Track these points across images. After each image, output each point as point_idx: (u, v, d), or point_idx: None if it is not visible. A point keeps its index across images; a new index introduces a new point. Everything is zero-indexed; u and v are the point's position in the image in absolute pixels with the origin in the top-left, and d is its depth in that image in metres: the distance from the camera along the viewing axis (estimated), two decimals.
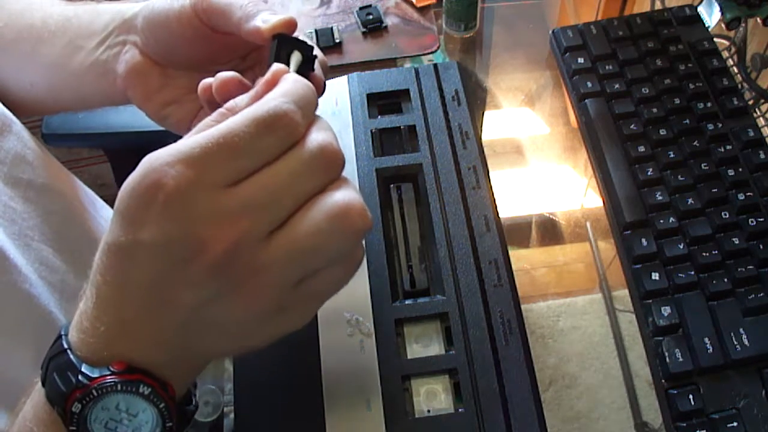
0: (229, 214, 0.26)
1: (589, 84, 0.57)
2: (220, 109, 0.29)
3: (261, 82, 0.30)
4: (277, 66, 0.31)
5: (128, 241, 0.26)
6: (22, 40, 0.44)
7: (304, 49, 0.35)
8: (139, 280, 0.27)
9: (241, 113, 0.27)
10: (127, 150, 0.96)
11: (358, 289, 0.42)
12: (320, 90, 0.36)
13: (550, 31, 0.62)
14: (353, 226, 0.28)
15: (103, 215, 0.54)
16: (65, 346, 0.28)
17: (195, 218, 0.26)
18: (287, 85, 0.29)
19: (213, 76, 0.37)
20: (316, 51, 0.36)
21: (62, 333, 0.29)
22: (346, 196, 0.28)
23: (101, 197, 0.56)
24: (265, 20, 0.34)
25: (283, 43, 0.34)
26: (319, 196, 0.28)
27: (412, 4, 0.69)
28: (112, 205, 0.57)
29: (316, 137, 0.28)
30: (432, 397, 0.39)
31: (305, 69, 0.35)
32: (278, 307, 0.28)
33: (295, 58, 0.34)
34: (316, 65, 0.36)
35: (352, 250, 0.29)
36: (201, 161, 0.26)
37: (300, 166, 0.28)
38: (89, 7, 0.43)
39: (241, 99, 0.30)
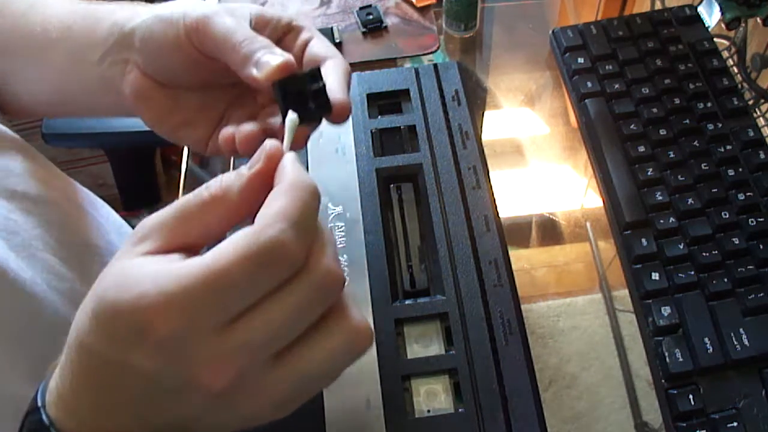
0: (226, 355, 0.25)
1: (589, 84, 0.57)
2: (212, 188, 0.28)
3: (255, 168, 0.28)
4: (271, 145, 0.29)
5: (117, 360, 0.25)
6: (25, 46, 0.43)
7: (310, 82, 0.33)
8: (126, 396, 0.26)
9: (235, 249, 0.25)
10: (127, 150, 0.96)
11: (358, 289, 0.42)
12: (345, 113, 0.35)
13: (550, 31, 0.62)
14: (362, 349, 0.28)
15: (103, 214, 0.53)
16: (46, 422, 0.27)
17: (190, 359, 0.25)
18: (285, 201, 0.26)
19: (224, 94, 0.36)
20: (334, 62, 0.35)
21: (39, 404, 0.28)
22: (355, 321, 0.28)
23: (101, 197, 0.56)
24: (260, 67, 0.33)
25: (284, 88, 0.33)
26: (327, 321, 0.27)
27: (412, 4, 0.69)
28: (112, 206, 0.57)
29: (318, 264, 0.27)
30: (432, 397, 0.39)
31: (318, 101, 0.33)
32: (275, 413, 0.28)
33: (290, 123, 0.32)
34: (340, 75, 0.35)
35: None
36: (192, 307, 0.24)
37: (302, 300, 0.26)
38: (88, 11, 0.42)
39: (234, 182, 0.28)
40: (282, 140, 0.31)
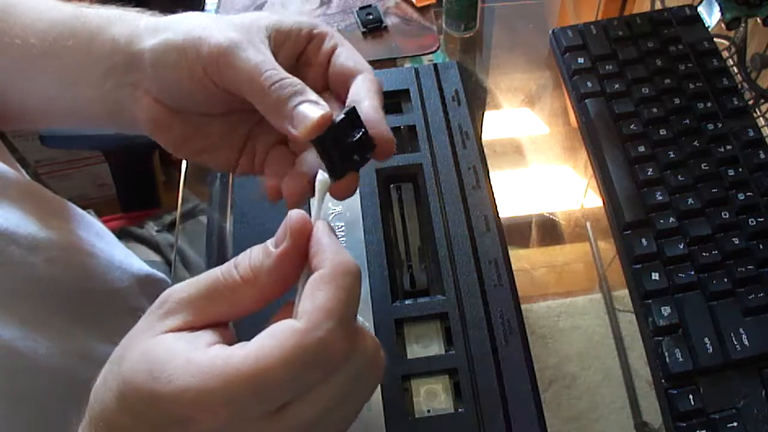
0: None
1: (589, 84, 0.57)
2: (242, 269, 0.27)
3: (282, 248, 0.27)
4: (295, 218, 0.27)
5: None
6: (3, 56, 0.38)
7: (351, 131, 0.31)
8: None
9: (281, 348, 0.24)
10: (125, 151, 0.96)
11: None
12: (391, 149, 0.33)
13: (550, 31, 0.62)
14: (382, 368, 0.29)
15: (108, 242, 0.51)
16: None
17: None
18: (330, 293, 0.26)
19: (247, 117, 0.34)
20: (365, 79, 0.34)
21: None
22: (374, 349, 0.28)
23: (101, 198, 0.55)
24: (296, 122, 0.30)
25: (323, 141, 0.30)
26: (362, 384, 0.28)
27: (412, 4, 0.69)
28: (112, 206, 0.56)
29: (363, 348, 0.27)
30: (432, 397, 0.39)
31: (362, 150, 0.31)
32: None
33: (321, 185, 0.31)
34: (375, 99, 0.33)
35: None
36: (237, 403, 0.24)
37: (349, 383, 0.26)
38: (78, 22, 0.36)
39: (263, 263, 0.27)
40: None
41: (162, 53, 0.33)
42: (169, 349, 0.25)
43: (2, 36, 0.38)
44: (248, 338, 0.26)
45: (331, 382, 0.26)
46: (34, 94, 0.40)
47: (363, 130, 0.31)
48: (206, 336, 0.26)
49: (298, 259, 0.28)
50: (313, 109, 0.30)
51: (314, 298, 0.26)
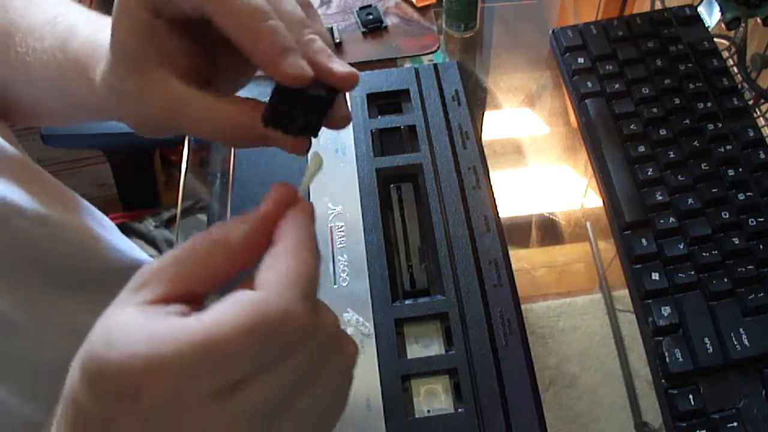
0: (222, 423, 0.23)
1: (589, 84, 0.57)
2: (214, 231, 0.26)
3: (262, 210, 0.27)
4: (283, 188, 0.27)
5: (103, 419, 0.23)
6: (8, 59, 0.40)
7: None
8: None
9: (239, 316, 0.23)
10: (125, 150, 0.96)
11: (358, 289, 0.42)
12: (353, 79, 0.30)
13: (550, 31, 0.62)
14: (354, 361, 0.27)
15: (114, 236, 0.51)
16: None
17: (182, 427, 0.23)
18: (293, 263, 0.25)
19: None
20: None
21: None
22: (347, 343, 0.27)
23: (102, 198, 0.56)
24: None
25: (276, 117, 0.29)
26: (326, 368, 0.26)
27: (412, 4, 0.69)
28: (112, 207, 0.56)
29: (324, 326, 0.25)
30: (432, 397, 0.39)
31: (320, 112, 0.30)
32: None
33: (313, 163, 0.30)
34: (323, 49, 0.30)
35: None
36: (185, 374, 0.22)
37: (309, 364, 0.25)
38: (69, 50, 0.37)
39: (239, 225, 0.26)
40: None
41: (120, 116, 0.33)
42: (128, 319, 0.24)
43: (7, 43, 0.39)
44: None
45: (291, 362, 0.24)
46: (40, 96, 0.41)
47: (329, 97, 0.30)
48: (174, 308, 0.25)
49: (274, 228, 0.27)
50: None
51: (277, 268, 0.25)
